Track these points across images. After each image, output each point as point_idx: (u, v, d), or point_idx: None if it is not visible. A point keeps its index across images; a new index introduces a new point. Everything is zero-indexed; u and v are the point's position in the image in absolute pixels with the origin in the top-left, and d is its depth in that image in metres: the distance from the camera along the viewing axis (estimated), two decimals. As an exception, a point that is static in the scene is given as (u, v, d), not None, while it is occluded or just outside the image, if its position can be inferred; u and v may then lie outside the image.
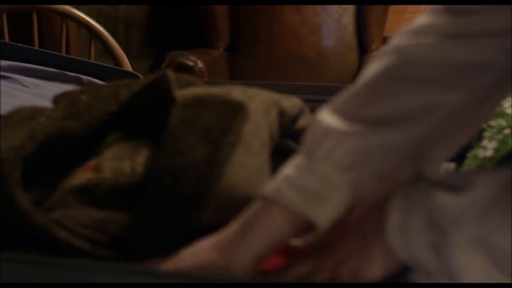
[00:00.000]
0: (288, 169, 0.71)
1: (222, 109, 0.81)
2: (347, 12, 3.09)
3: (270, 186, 0.70)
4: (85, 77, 1.30)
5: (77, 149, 0.84)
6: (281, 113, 0.90)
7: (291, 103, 0.92)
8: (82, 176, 0.81)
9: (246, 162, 0.79)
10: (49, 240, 0.74)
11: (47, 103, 1.25)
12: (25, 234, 0.74)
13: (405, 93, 0.69)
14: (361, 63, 3.10)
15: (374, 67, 0.72)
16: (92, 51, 1.75)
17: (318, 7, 3.08)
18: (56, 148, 0.81)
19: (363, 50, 3.12)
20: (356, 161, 0.69)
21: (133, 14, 3.85)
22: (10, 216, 0.74)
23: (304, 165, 0.70)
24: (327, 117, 0.71)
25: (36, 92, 1.26)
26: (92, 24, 1.73)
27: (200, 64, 2.60)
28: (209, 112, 0.80)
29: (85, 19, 1.74)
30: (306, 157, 0.70)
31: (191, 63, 2.60)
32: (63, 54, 1.41)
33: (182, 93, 0.84)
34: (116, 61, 1.73)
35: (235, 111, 0.81)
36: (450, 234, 0.64)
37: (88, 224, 0.75)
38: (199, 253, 0.70)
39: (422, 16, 0.72)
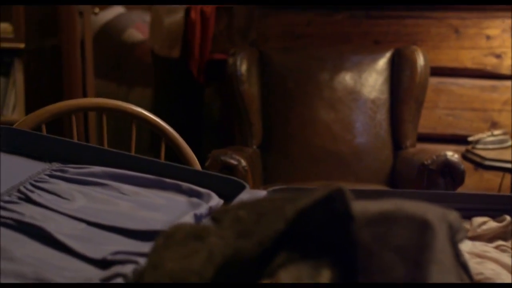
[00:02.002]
0: None
1: (410, 225, 0.76)
2: (381, 109, 3.08)
3: None
4: (185, 184, 1.24)
5: (248, 270, 0.77)
6: (450, 227, 0.85)
7: (454, 216, 0.87)
8: (260, 300, 0.74)
9: (442, 280, 0.74)
10: None
11: (151, 212, 1.19)
12: None
13: None
14: (395, 160, 3.07)
15: None
16: (162, 154, 1.70)
17: (352, 104, 3.07)
18: (232, 269, 0.75)
19: (398, 147, 3.10)
20: None
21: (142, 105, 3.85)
22: None
23: None
24: None
25: (136, 200, 1.20)
26: (161, 125, 1.69)
27: (243, 162, 2.56)
28: (399, 229, 0.75)
29: (155, 120, 1.70)
30: None
31: (234, 162, 2.55)
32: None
33: (358, 209, 0.79)
34: (186, 162, 1.68)
35: (424, 227, 0.76)
36: None
37: None
38: None
39: None
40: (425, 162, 2.62)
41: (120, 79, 5.42)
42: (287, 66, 3.12)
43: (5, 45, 3.45)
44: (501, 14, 3.20)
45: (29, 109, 3.51)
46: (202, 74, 4.26)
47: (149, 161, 1.28)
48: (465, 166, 2.95)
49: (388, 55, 3.13)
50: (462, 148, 3.05)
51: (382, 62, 3.11)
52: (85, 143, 1.32)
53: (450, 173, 2.59)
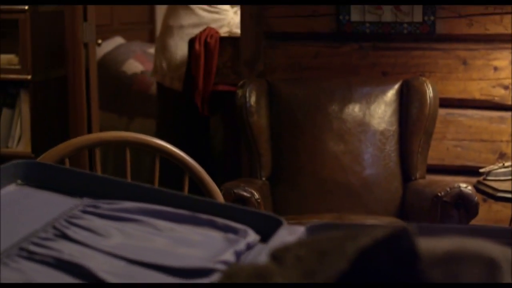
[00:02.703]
0: None
1: (479, 264, 0.75)
2: (390, 141, 3.08)
3: None
4: (220, 220, 1.22)
5: (313, 310, 0.76)
6: (510, 264, 0.84)
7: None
8: None
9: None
10: None
11: (189, 249, 1.17)
12: None
13: None
14: (405, 191, 3.06)
15: None
16: (186, 187, 1.69)
17: (361, 136, 3.07)
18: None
19: (407, 178, 3.09)
20: None
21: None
22: None
23: None
24: None
25: (172, 236, 1.19)
26: (185, 159, 1.68)
27: (256, 195, 2.55)
28: (468, 268, 0.74)
29: (178, 153, 1.69)
30: None
31: (247, 195, 2.54)
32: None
33: (423, 247, 0.78)
34: (210, 196, 1.67)
35: (492, 267, 0.75)
36: None
37: None
38: None
39: None
40: (439, 194, 2.62)
41: (121, 110, 5.41)
42: (296, 97, 3.12)
43: (12, 76, 3.45)
44: (508, 46, 3.22)
45: (35, 141, 3.49)
46: (206, 106, 4.25)
47: (181, 196, 1.26)
48: (475, 197, 2.94)
49: (396, 86, 3.13)
50: (471, 179, 3.04)
51: (391, 94, 3.11)
52: (115, 178, 1.30)
53: (464, 205, 2.58)
